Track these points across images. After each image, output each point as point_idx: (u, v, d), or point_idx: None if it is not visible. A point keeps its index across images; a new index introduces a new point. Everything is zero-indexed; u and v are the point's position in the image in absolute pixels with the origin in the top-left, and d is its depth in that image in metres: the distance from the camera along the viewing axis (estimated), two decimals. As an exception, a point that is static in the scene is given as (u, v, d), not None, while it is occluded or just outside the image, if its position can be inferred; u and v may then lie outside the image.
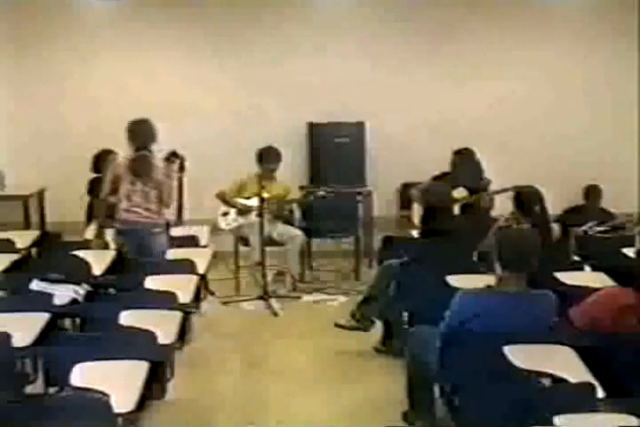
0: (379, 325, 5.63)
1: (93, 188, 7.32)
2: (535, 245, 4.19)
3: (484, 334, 3.85)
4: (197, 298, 5.40)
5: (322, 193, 7.25)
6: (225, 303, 6.76)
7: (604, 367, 3.61)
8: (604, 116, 8.87)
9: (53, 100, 8.57)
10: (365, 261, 7.84)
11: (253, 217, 7.03)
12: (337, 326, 5.77)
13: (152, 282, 5.11)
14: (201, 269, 5.62)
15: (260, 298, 6.80)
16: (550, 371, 3.60)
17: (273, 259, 7.19)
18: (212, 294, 6.43)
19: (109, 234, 6.15)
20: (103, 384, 3.31)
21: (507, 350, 3.74)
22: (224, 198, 7.27)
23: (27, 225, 8.20)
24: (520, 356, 3.70)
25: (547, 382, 3.60)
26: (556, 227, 6.81)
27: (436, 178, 6.87)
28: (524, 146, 8.80)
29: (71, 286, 4.82)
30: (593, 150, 8.77)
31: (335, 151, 8.41)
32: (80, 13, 8.54)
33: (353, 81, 8.63)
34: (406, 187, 8.09)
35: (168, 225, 6.99)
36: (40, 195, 8.52)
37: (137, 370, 3.61)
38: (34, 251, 6.22)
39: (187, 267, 5.49)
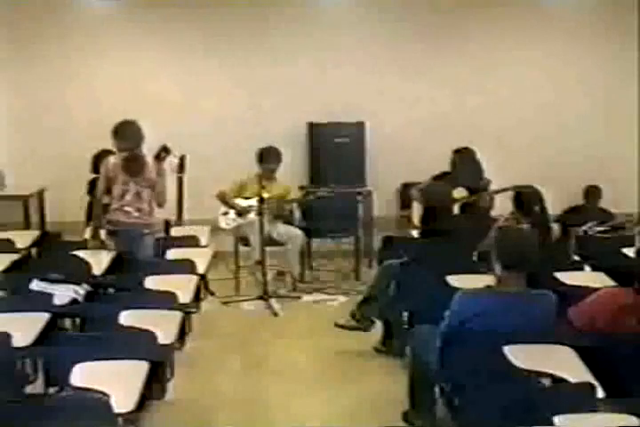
0: (379, 325, 5.63)
1: (93, 188, 7.31)
2: (535, 245, 4.19)
3: (485, 333, 3.85)
4: (197, 298, 5.40)
5: (322, 193, 7.26)
6: (225, 303, 6.76)
7: (604, 367, 3.61)
8: (605, 116, 8.87)
9: (53, 101, 8.57)
10: (365, 261, 7.84)
11: (253, 216, 7.02)
12: (337, 326, 5.77)
13: (152, 282, 5.11)
14: (201, 269, 5.62)
15: (260, 298, 6.80)
16: (550, 371, 3.60)
17: (273, 259, 7.19)
18: (212, 294, 6.42)
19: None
20: (103, 384, 3.31)
21: (507, 349, 3.75)
22: (224, 199, 7.26)
23: (27, 225, 8.20)
24: (520, 356, 3.70)
25: (547, 382, 3.60)
26: (555, 227, 6.81)
27: (436, 178, 6.86)
28: (523, 146, 8.80)
29: (71, 286, 4.82)
30: (593, 150, 8.77)
31: (335, 151, 8.41)
32: (80, 13, 8.53)
33: (353, 81, 8.63)
34: (406, 187, 8.09)
35: (168, 225, 7.02)
36: (40, 195, 8.52)
37: (137, 370, 3.61)
38: (34, 251, 6.21)
39: (187, 267, 5.49)
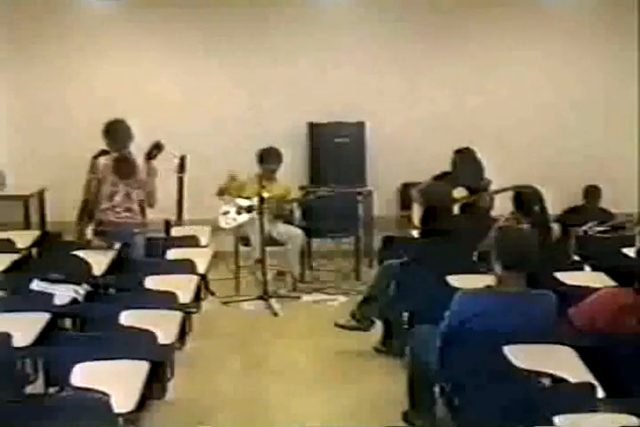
0: (379, 325, 5.63)
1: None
2: (535, 245, 4.19)
3: (485, 333, 3.85)
4: (198, 298, 5.40)
5: (322, 193, 7.26)
6: (225, 303, 6.77)
7: (603, 367, 3.61)
8: (605, 116, 8.87)
9: (53, 101, 8.56)
10: (365, 261, 7.84)
11: (254, 214, 7.02)
12: (337, 326, 5.77)
13: (152, 282, 5.11)
14: (201, 269, 5.62)
15: (260, 298, 6.80)
16: (550, 371, 3.60)
17: (273, 259, 7.19)
18: (213, 294, 6.42)
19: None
20: (103, 384, 3.31)
21: (507, 349, 3.75)
22: (222, 193, 7.25)
23: (27, 225, 8.20)
24: (520, 356, 3.70)
25: (547, 382, 3.60)
26: (555, 227, 6.81)
27: (436, 178, 6.86)
28: (523, 146, 8.80)
29: (71, 286, 4.83)
30: (593, 150, 8.76)
31: (335, 151, 8.41)
32: (80, 13, 8.53)
33: (353, 81, 8.63)
34: (406, 187, 8.09)
35: (168, 225, 7.02)
36: (40, 195, 8.52)
37: (137, 370, 3.61)
38: (34, 251, 6.21)
39: (187, 267, 5.50)
